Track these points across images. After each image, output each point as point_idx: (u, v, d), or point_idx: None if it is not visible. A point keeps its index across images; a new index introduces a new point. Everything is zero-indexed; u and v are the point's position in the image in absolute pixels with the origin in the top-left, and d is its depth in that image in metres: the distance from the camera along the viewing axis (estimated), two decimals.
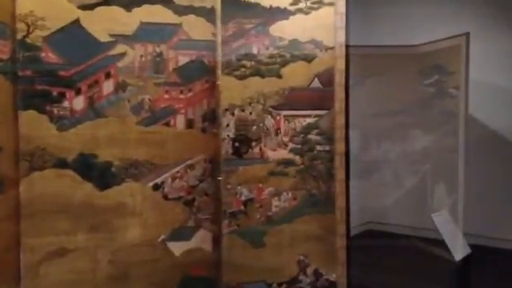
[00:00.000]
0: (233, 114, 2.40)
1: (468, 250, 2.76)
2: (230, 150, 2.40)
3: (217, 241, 2.05)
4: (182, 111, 2.17)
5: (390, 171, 4.63)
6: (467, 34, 3.68)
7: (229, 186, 2.39)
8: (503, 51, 3.90)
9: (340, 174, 2.54)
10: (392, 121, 4.46)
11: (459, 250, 2.67)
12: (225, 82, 2.37)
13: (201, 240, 2.17)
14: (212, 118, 2.14)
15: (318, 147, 2.52)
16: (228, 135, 2.39)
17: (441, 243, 3.93)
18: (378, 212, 4.79)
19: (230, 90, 2.38)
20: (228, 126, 2.39)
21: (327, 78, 2.51)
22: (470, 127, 3.84)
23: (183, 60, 2.21)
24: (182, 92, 2.11)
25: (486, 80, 3.95)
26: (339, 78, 2.52)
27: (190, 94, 2.12)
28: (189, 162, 2.14)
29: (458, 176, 3.83)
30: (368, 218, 4.87)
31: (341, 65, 2.52)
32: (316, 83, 2.50)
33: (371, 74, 4.50)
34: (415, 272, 3.63)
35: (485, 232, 3.93)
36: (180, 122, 2.16)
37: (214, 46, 2.00)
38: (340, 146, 2.54)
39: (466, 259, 3.37)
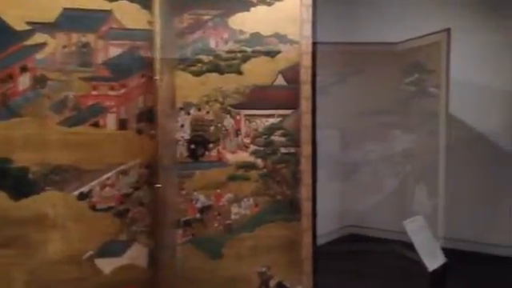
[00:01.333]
0: (188, 114, 2.20)
1: (443, 260, 2.59)
2: (185, 153, 2.20)
3: (153, 256, 1.83)
4: (114, 110, 1.91)
5: (371, 173, 4.46)
6: (448, 31, 3.52)
7: (183, 192, 2.19)
8: (484, 48, 3.74)
9: (306, 178, 2.35)
10: (373, 120, 4.30)
11: (433, 260, 2.50)
12: (180, 78, 2.17)
13: (135, 256, 1.92)
14: (149, 117, 1.90)
15: (283, 149, 2.33)
16: (183, 136, 2.19)
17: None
18: (359, 215, 4.63)
19: (186, 87, 2.18)
20: (183, 126, 2.19)
21: (292, 75, 2.32)
22: (452, 127, 3.69)
23: (115, 51, 1.94)
24: (113, 88, 1.88)
25: (468, 78, 3.79)
26: (305, 75, 2.34)
27: (122, 91, 1.89)
28: (121, 168, 1.90)
29: (438, 178, 3.68)
30: (349, 221, 4.71)
31: (307, 61, 2.34)
32: (280, 80, 2.31)
33: (353, 71, 4.34)
34: (393, 278, 3.48)
35: (466, 236, 3.78)
36: (111, 122, 1.91)
37: (152, 35, 1.78)
38: (306, 148, 2.35)
39: (445, 265, 3.26)
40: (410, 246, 4.01)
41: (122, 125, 1.88)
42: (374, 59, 4.25)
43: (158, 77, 1.63)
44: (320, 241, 4.44)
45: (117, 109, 1.85)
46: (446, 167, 3.57)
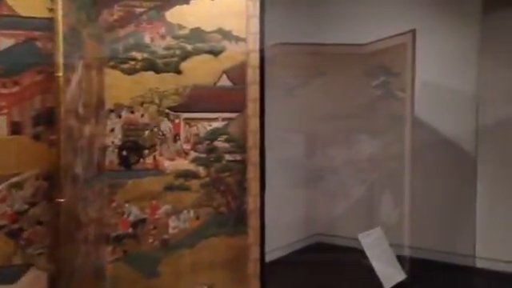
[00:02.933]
0: (119, 117, 1.98)
1: (402, 276, 2.42)
2: (116, 160, 1.98)
3: (54, 283, 1.59)
4: (5, 111, 1.61)
5: (337, 179, 4.29)
6: (413, 32, 3.37)
7: (114, 204, 1.97)
8: (450, 49, 3.61)
9: (254, 188, 2.15)
10: (339, 125, 4.13)
11: (390, 276, 2.33)
12: (110, 77, 1.95)
13: (32, 282, 1.63)
14: (49, 120, 1.64)
15: (227, 156, 2.12)
16: (113, 142, 1.97)
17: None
18: (326, 223, 4.45)
19: (117, 86, 1.96)
20: (113, 130, 1.97)
21: (238, 75, 2.12)
22: (419, 132, 3.55)
23: (6, 43, 1.63)
24: (4, 85, 1.63)
25: (436, 81, 3.66)
26: (252, 75, 2.14)
27: (15, 89, 1.64)
28: (14, 180, 1.61)
29: (403, 185, 3.53)
30: (316, 229, 4.52)
31: (254, 59, 2.14)
32: (224, 81, 2.11)
33: (318, 74, 4.16)
34: None
35: (431, 245, 3.64)
36: (1, 125, 1.60)
37: (52, 25, 1.53)
38: (254, 155, 2.15)
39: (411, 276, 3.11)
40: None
41: (16, 129, 1.60)
42: (339, 61, 4.08)
43: (60, 73, 1.40)
44: (286, 250, 4.31)
45: (8, 110, 1.57)
46: (412, 173, 3.42)
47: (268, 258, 3.81)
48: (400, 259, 3.39)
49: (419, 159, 3.46)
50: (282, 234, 4.04)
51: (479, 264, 3.45)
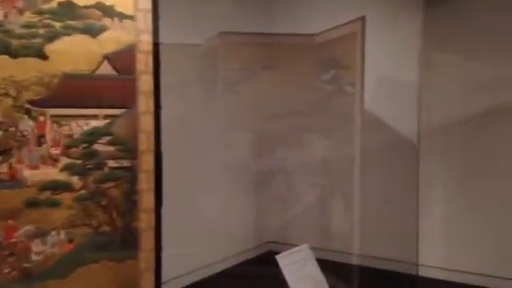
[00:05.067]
0: None
1: None
2: None
3: None
4: None
5: (288, 183, 3.91)
6: (362, 19, 3.00)
7: None
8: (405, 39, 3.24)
9: (147, 202, 1.74)
10: (288, 123, 3.74)
11: None
12: None
13: None
14: None
15: (111, 163, 1.71)
16: None
17: (338, 269, 3.32)
18: (278, 231, 4.07)
19: None
20: None
21: (125, 62, 1.71)
22: (370, 130, 3.18)
23: None
24: None
25: (389, 74, 3.29)
26: (144, 63, 1.73)
27: None
28: None
29: (353, 189, 3.16)
30: (268, 237, 4.13)
31: (146, 43, 1.73)
32: (106, 68, 1.69)
33: (264, 67, 3.76)
34: None
35: (381, 253, 3.30)
36: None
37: None
38: (147, 161, 1.74)
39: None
40: (328, 267, 3.55)
41: None
42: (289, 53, 3.69)
43: None
44: (235, 260, 3.91)
45: None
46: (361, 176, 3.06)
47: (215, 269, 3.48)
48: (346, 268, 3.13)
49: (370, 160, 3.10)
50: (230, 243, 3.66)
51: (422, 272, 3.16)
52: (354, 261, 3.28)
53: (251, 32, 3.63)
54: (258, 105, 3.70)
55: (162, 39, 2.55)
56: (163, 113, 2.71)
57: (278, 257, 2.05)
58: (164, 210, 1.78)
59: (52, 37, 1.61)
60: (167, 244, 2.52)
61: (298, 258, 2.06)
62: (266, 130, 3.77)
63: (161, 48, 1.77)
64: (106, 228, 1.69)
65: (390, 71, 3.24)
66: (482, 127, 3.00)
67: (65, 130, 1.64)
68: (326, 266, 3.57)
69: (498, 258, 2.97)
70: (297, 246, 4.01)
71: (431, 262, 3.20)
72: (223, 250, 3.51)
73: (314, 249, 3.78)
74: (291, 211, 3.96)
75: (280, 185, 3.91)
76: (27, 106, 1.59)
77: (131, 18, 1.70)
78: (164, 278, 2.81)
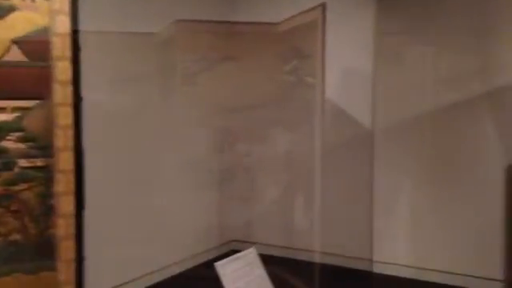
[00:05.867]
0: None
1: None
2: None
3: None
4: None
5: (250, 180, 3.74)
6: (323, 6, 2.83)
7: None
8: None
9: (65, 206, 1.54)
10: (249, 117, 3.56)
11: None
12: None
13: None
14: None
15: (23, 162, 1.50)
16: None
17: (299, 267, 3.20)
18: (242, 229, 3.90)
19: None
20: None
21: (38, 47, 1.50)
22: (332, 124, 3.03)
23: None
24: None
25: (353, 65, 3.14)
26: (61, 48, 1.52)
27: None
28: None
29: (314, 185, 3.01)
30: (232, 236, 3.96)
31: (63, 25, 1.52)
32: (15, 54, 1.48)
33: (225, 57, 3.56)
34: None
35: (341, 251, 3.17)
36: None
37: None
38: (65, 160, 1.53)
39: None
40: (293, 266, 3.41)
41: None
42: (250, 42, 3.50)
43: None
44: (198, 260, 3.74)
45: None
46: (322, 173, 2.90)
47: (176, 269, 3.30)
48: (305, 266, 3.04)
49: (330, 156, 2.95)
50: (192, 242, 3.47)
51: (377, 269, 3.06)
52: (315, 258, 3.15)
53: (210, 20, 3.43)
54: (217, 97, 3.50)
55: (101, 27, 2.34)
56: (105, 108, 2.52)
57: (216, 264, 1.87)
58: (88, 214, 1.58)
59: None
60: (109, 248, 2.34)
61: (241, 264, 1.88)
62: (226, 124, 3.59)
63: (86, 36, 1.56)
64: (17, 236, 1.49)
65: (355, 62, 3.08)
66: (442, 121, 2.87)
67: None
68: (286, 264, 3.46)
69: (455, 254, 2.88)
70: (260, 244, 3.87)
71: (397, 259, 3.08)
72: (182, 251, 3.33)
73: (277, 247, 3.67)
74: (255, 208, 3.79)
75: (243, 181, 3.73)
76: None
77: None
78: (111, 284, 2.63)
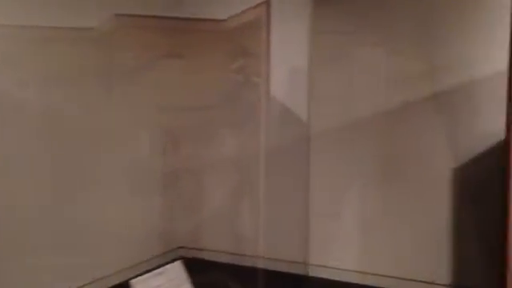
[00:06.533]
0: None
1: None
2: None
3: None
4: None
5: (197, 183, 3.58)
6: (267, 3, 2.71)
7: None
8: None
9: None
10: (195, 117, 3.41)
11: None
12: None
13: None
14: None
15: None
16: None
17: (249, 274, 3.09)
18: (190, 235, 3.75)
19: None
20: None
21: None
22: (280, 125, 2.93)
23: None
24: None
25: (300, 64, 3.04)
26: None
27: None
28: None
29: (258, 189, 2.90)
30: (179, 242, 3.80)
31: None
32: None
33: (168, 54, 3.39)
34: None
35: (284, 256, 3.09)
36: None
37: None
38: None
39: None
40: (240, 273, 3.29)
41: None
42: (196, 40, 3.35)
43: None
44: (141, 268, 3.54)
45: None
46: (267, 175, 2.79)
47: (115, 279, 3.11)
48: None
49: (276, 158, 2.84)
50: (135, 250, 3.29)
51: (312, 272, 3.02)
52: (259, 264, 3.05)
53: (153, 15, 3.25)
54: (160, 97, 3.32)
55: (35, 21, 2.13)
56: (33, 107, 2.32)
57: (132, 282, 1.71)
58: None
59: None
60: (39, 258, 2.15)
61: (162, 280, 1.73)
62: (171, 125, 3.41)
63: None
64: None
65: (302, 61, 2.97)
66: (388, 122, 2.82)
67: None
68: (232, 270, 3.35)
69: (401, 258, 2.83)
70: (208, 250, 3.74)
71: (344, 264, 3.01)
72: (123, 259, 3.15)
73: (224, 253, 3.55)
74: (202, 213, 3.65)
75: (189, 185, 3.57)
76: None
77: None
78: None
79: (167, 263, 3.70)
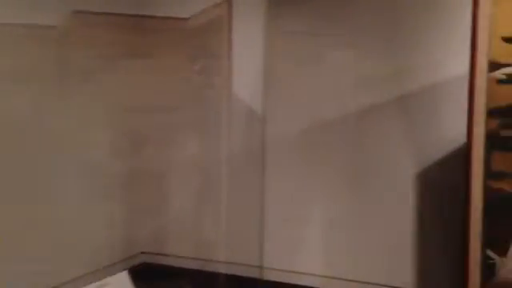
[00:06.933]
0: None
1: None
2: None
3: None
4: None
5: (161, 187, 3.48)
6: (228, 1, 2.64)
7: None
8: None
9: None
10: (155, 119, 3.31)
11: None
12: None
13: None
14: None
15: None
16: None
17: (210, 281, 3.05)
18: (153, 240, 3.64)
19: None
20: None
21: None
22: (239, 129, 2.86)
23: None
24: None
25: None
26: None
27: None
28: None
29: (220, 193, 2.83)
30: (141, 247, 3.68)
31: None
32: None
33: (129, 54, 3.27)
34: None
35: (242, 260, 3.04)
36: None
37: None
38: None
39: None
40: (201, 279, 3.21)
41: None
42: (159, 39, 3.25)
43: None
44: (97, 276, 3.42)
45: None
46: (228, 179, 2.72)
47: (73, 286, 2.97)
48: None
49: (238, 162, 2.78)
50: (95, 256, 3.17)
51: (270, 277, 2.96)
52: (220, 269, 2.98)
53: (114, 12, 3.13)
54: (121, 97, 3.20)
55: None
56: None
57: None
58: None
59: None
60: None
61: None
62: (131, 127, 3.30)
63: None
64: None
65: (262, 62, 2.91)
66: (351, 126, 2.78)
67: None
68: (194, 276, 3.28)
69: (365, 263, 2.80)
70: (172, 256, 3.65)
71: (309, 269, 2.96)
72: (80, 267, 3.02)
73: (188, 259, 3.46)
74: (165, 217, 3.54)
75: (151, 188, 3.46)
76: None
77: None
78: None
79: (128, 270, 3.61)
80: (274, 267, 2.87)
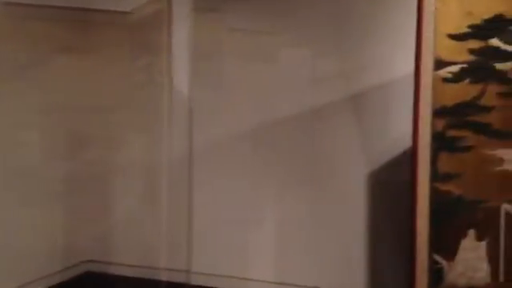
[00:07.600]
0: None
1: None
2: None
3: None
4: None
5: (100, 190, 3.27)
6: None
7: None
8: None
9: None
10: (98, 119, 3.11)
11: None
12: None
13: None
14: None
15: None
16: None
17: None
18: (96, 247, 3.43)
19: None
20: None
21: None
22: (183, 130, 2.70)
23: None
24: None
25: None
26: None
27: None
28: None
29: (161, 198, 2.67)
30: (85, 255, 3.46)
31: None
32: None
33: (64, 48, 3.04)
34: None
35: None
36: None
37: None
38: None
39: None
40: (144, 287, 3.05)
41: None
42: (97, 33, 3.04)
43: None
44: (38, 286, 3.20)
45: None
46: (170, 183, 2.57)
47: None
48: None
49: (181, 166, 2.62)
50: (33, 265, 2.95)
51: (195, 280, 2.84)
52: (162, 276, 2.84)
53: (48, 4, 2.91)
54: (56, 96, 2.97)
55: None
56: None
57: None
58: None
59: None
60: None
61: None
62: (71, 128, 3.08)
63: None
64: None
65: (204, 59, 2.77)
66: (301, 127, 2.69)
67: None
68: (134, 284, 3.12)
69: (318, 268, 2.71)
70: (117, 264, 3.45)
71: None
72: (17, 276, 2.81)
73: (134, 267, 3.28)
74: (109, 224, 3.34)
75: (94, 193, 3.25)
76: None
77: None
78: None
79: (70, 280, 3.39)
80: (220, 274, 2.74)
